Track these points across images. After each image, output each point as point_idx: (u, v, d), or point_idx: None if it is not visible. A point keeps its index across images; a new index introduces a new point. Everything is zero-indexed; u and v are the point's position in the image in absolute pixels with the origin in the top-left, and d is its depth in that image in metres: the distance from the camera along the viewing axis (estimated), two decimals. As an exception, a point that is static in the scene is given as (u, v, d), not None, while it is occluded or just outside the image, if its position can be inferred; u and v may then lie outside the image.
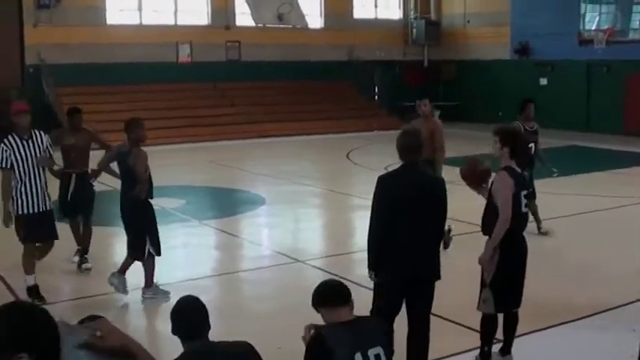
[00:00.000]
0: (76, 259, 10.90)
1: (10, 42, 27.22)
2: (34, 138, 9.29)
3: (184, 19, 30.45)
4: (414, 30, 35.02)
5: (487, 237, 7.00)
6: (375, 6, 35.09)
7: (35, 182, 9.26)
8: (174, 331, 4.45)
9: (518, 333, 7.31)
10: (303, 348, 4.49)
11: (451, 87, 34.38)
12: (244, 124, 28.30)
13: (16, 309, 2.56)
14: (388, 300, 6.48)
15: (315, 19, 32.61)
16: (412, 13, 35.49)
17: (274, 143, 26.38)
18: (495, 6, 32.09)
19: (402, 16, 35.74)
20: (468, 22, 33.82)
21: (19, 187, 9.18)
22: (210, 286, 10.30)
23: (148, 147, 25.98)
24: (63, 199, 10.93)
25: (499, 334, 7.26)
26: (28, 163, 9.16)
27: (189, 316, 4.46)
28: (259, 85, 30.47)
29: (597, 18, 30.54)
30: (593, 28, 30.03)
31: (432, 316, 6.82)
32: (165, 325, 4.68)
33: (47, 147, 9.44)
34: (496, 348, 7.23)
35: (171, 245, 12.88)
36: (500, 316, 7.20)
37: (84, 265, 10.70)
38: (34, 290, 9.27)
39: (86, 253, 10.87)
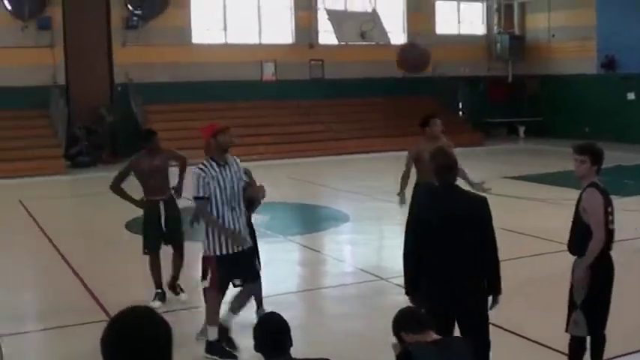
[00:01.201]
0: (157, 304, 9.70)
1: (99, 61, 27.93)
2: (230, 163, 8.09)
3: (269, 38, 30.79)
4: (498, 45, 34.76)
5: (575, 257, 6.81)
6: (458, 22, 34.95)
7: (236, 217, 8.04)
8: (257, 348, 4.50)
9: (606, 356, 7.08)
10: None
11: (536, 102, 33.98)
12: (327, 140, 28.44)
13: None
14: None
15: (397, 36, 32.61)
16: (496, 28, 35.26)
17: (357, 160, 26.41)
18: (581, 20, 31.63)
19: (485, 31, 35.52)
20: (553, 36, 33.37)
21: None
22: (293, 302, 10.36)
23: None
24: (154, 230, 9.97)
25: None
26: (227, 194, 7.92)
27: (272, 332, 4.52)
28: (342, 102, 30.59)
29: (687, 30, 29.89)
30: (683, 40, 29.39)
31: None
32: (248, 341, 4.74)
33: (242, 175, 8.21)
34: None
35: (256, 261, 13.03)
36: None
37: (182, 296, 10.11)
38: (220, 344, 8.12)
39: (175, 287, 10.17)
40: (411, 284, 6.36)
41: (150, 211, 9.99)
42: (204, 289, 8.25)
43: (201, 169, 7.88)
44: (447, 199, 6.25)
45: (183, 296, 10.08)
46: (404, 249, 6.40)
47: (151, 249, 9.95)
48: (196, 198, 7.91)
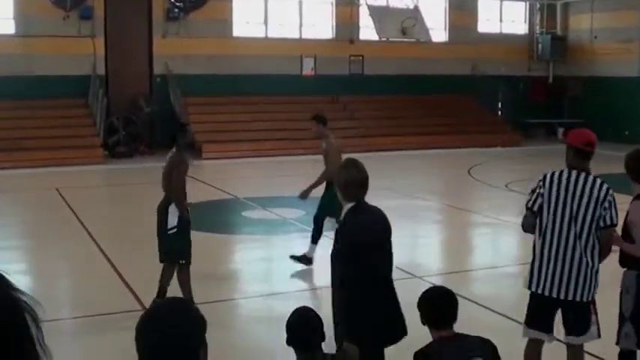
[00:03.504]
0: None
1: (139, 52, 28.06)
2: (586, 180, 6.31)
3: (309, 33, 30.78)
4: (540, 45, 34.47)
5: (624, 269, 6.55)
6: (500, 20, 34.69)
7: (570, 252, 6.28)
8: (289, 342, 4.48)
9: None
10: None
11: (577, 104, 33.63)
12: (364, 137, 28.34)
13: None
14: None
15: (439, 33, 32.44)
16: (538, 28, 34.96)
17: (394, 157, 26.31)
18: (624, 21, 31.20)
19: (527, 31, 35.23)
20: (595, 37, 33.03)
21: (538, 251, 6.39)
22: (326, 297, 10.30)
23: (270, 157, 26.37)
24: (189, 238, 9.43)
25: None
26: (562, 220, 6.26)
27: (304, 327, 4.49)
28: (381, 99, 30.47)
29: None
30: None
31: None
32: (282, 333, 4.71)
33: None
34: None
35: (290, 254, 13.03)
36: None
37: None
38: None
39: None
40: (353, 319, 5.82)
41: (188, 217, 9.34)
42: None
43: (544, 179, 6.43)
44: (366, 219, 5.96)
45: None
46: (338, 281, 5.88)
47: (190, 259, 9.42)
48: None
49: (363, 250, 5.77)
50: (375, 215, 5.99)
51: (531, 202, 6.40)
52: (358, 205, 5.92)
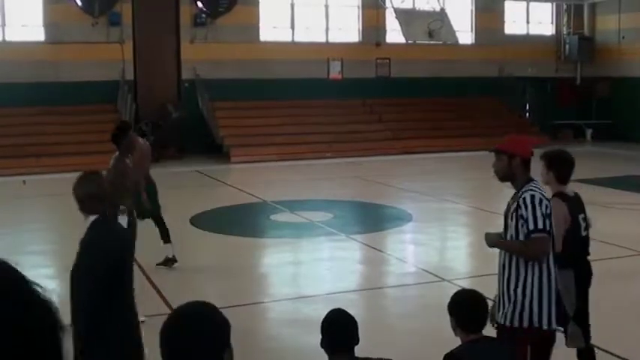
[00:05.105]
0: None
1: (167, 58, 28.25)
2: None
3: (336, 37, 30.83)
4: (567, 46, 34.31)
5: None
6: (527, 22, 34.58)
7: None
8: (323, 344, 4.49)
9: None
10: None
11: (605, 105, 33.44)
12: (392, 140, 28.37)
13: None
14: None
15: (465, 35, 32.40)
16: (565, 28, 34.80)
17: (422, 159, 26.30)
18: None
19: (554, 32, 35.08)
20: (623, 37, 32.83)
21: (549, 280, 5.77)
22: (354, 300, 10.36)
23: (298, 161, 26.38)
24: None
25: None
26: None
27: (340, 329, 4.51)
28: (408, 102, 30.50)
29: None
30: None
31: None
32: (310, 337, 4.75)
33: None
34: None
35: (318, 258, 13.11)
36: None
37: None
38: None
39: None
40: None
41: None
42: None
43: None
44: (121, 229, 5.87)
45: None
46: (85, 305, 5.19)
47: None
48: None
49: (121, 267, 5.45)
50: (125, 229, 5.73)
51: (547, 223, 5.73)
52: (106, 217, 5.65)
